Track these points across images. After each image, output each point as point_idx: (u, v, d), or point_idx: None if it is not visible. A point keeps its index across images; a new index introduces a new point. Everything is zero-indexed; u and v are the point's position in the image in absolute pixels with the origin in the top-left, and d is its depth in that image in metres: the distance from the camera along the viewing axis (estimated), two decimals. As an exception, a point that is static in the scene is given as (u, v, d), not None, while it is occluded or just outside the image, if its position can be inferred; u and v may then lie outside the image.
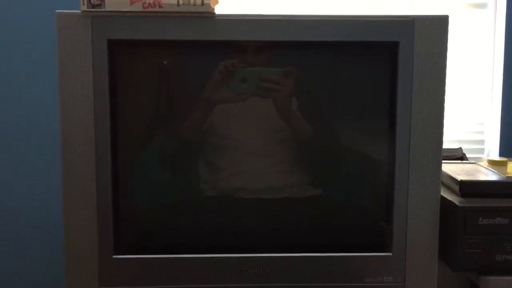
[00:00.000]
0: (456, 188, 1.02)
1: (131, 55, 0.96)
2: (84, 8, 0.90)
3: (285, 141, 1.02)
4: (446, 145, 1.15)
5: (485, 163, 1.18)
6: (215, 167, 1.02)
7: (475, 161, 1.27)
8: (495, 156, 1.52)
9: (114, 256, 0.96)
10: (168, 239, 1.01)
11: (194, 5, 0.90)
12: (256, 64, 0.96)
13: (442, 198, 0.98)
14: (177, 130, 1.01)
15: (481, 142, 1.60)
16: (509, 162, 1.16)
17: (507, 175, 1.07)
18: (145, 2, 0.90)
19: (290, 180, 1.03)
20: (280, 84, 0.96)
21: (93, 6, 0.90)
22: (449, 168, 1.12)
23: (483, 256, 0.95)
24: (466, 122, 1.60)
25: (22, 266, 1.49)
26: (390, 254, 0.97)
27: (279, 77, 0.96)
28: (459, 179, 1.02)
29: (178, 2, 0.90)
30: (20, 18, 1.42)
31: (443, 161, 0.97)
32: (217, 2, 0.92)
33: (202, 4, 0.90)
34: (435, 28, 0.93)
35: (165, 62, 0.98)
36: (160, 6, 0.90)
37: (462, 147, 1.43)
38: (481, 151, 1.60)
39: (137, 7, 0.90)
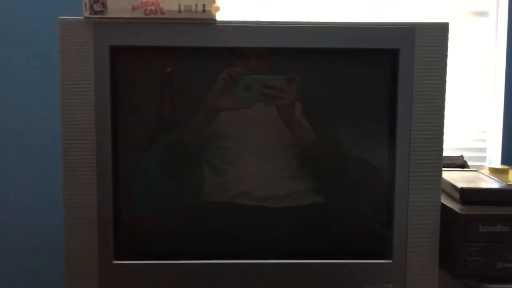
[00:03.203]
0: (457, 195, 1.02)
1: (133, 61, 0.97)
2: (87, 14, 0.91)
3: (288, 147, 1.02)
4: (448, 153, 1.15)
5: (486, 171, 1.18)
6: (218, 173, 1.02)
7: (477, 169, 1.27)
8: (497, 164, 1.52)
9: (114, 262, 0.95)
10: (169, 245, 1.00)
11: (196, 12, 0.91)
12: (258, 71, 0.96)
13: (443, 205, 0.98)
14: (180, 136, 1.01)
15: (483, 150, 1.60)
16: (510, 170, 1.16)
17: (508, 183, 1.06)
18: (146, 9, 0.90)
19: (292, 186, 1.03)
20: (283, 91, 0.96)
21: (96, 13, 0.91)
22: (450, 175, 1.12)
23: (484, 264, 0.95)
24: (468, 130, 1.60)
25: (22, 271, 1.49)
26: (391, 261, 0.97)
27: (282, 84, 0.96)
28: (459, 187, 1.01)
29: (179, 8, 0.90)
30: (23, 24, 1.42)
31: (443, 168, 0.97)
32: (218, 9, 0.93)
33: (204, 11, 0.91)
34: (436, 36, 0.93)
35: (168, 70, 0.98)
36: (161, 13, 0.91)
37: (464, 155, 1.43)
38: (483, 159, 1.59)
39: (139, 14, 0.91)
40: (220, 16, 0.93)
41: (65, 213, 0.94)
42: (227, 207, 1.01)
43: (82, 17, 0.91)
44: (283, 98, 0.96)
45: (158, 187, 1.02)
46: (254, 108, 0.98)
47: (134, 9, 0.90)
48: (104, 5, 0.90)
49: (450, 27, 0.93)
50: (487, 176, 1.14)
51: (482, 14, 1.57)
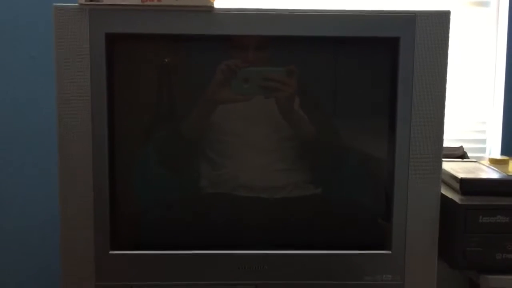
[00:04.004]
0: (457, 186, 1.01)
1: (129, 49, 0.96)
2: (82, 1, 0.90)
3: (287, 139, 1.02)
4: (448, 144, 1.14)
5: (486, 162, 1.18)
6: (216, 164, 1.01)
7: (477, 160, 1.26)
8: (497, 155, 1.51)
9: (110, 252, 0.95)
10: (165, 235, 1.00)
11: (193, -2, 0.89)
12: (257, 63, 0.95)
13: (443, 196, 0.97)
14: (177, 127, 1.00)
15: (483, 141, 1.59)
16: (510, 161, 1.15)
17: (508, 174, 1.06)
18: (143, -5, 0.89)
19: (291, 178, 1.02)
20: (282, 83, 0.95)
21: (91, -1, 0.90)
22: (450, 166, 1.12)
23: (484, 255, 0.95)
24: (468, 121, 1.59)
25: (19, 261, 1.48)
26: (390, 252, 0.96)
27: (282, 76, 0.95)
28: (459, 177, 1.01)
29: (176, -5, 0.89)
30: (19, 12, 1.41)
31: (444, 159, 0.96)
32: (216, -4, 0.92)
33: (201, -3, 0.90)
34: (437, 24, 0.92)
35: (166, 60, 0.97)
36: (158, 0, 0.90)
37: (464, 146, 1.42)
38: (483, 150, 1.59)
39: (136, 1, 0.90)
40: (218, 3, 0.92)
41: (61, 204, 0.94)
42: (224, 198, 1.01)
43: (77, 4, 0.90)
44: (282, 90, 0.96)
45: (155, 178, 1.02)
46: (253, 101, 0.97)
47: (130, -5, 0.89)
48: (99, -9, 0.89)
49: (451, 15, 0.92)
50: (487, 166, 1.13)
51: (483, 4, 1.56)
